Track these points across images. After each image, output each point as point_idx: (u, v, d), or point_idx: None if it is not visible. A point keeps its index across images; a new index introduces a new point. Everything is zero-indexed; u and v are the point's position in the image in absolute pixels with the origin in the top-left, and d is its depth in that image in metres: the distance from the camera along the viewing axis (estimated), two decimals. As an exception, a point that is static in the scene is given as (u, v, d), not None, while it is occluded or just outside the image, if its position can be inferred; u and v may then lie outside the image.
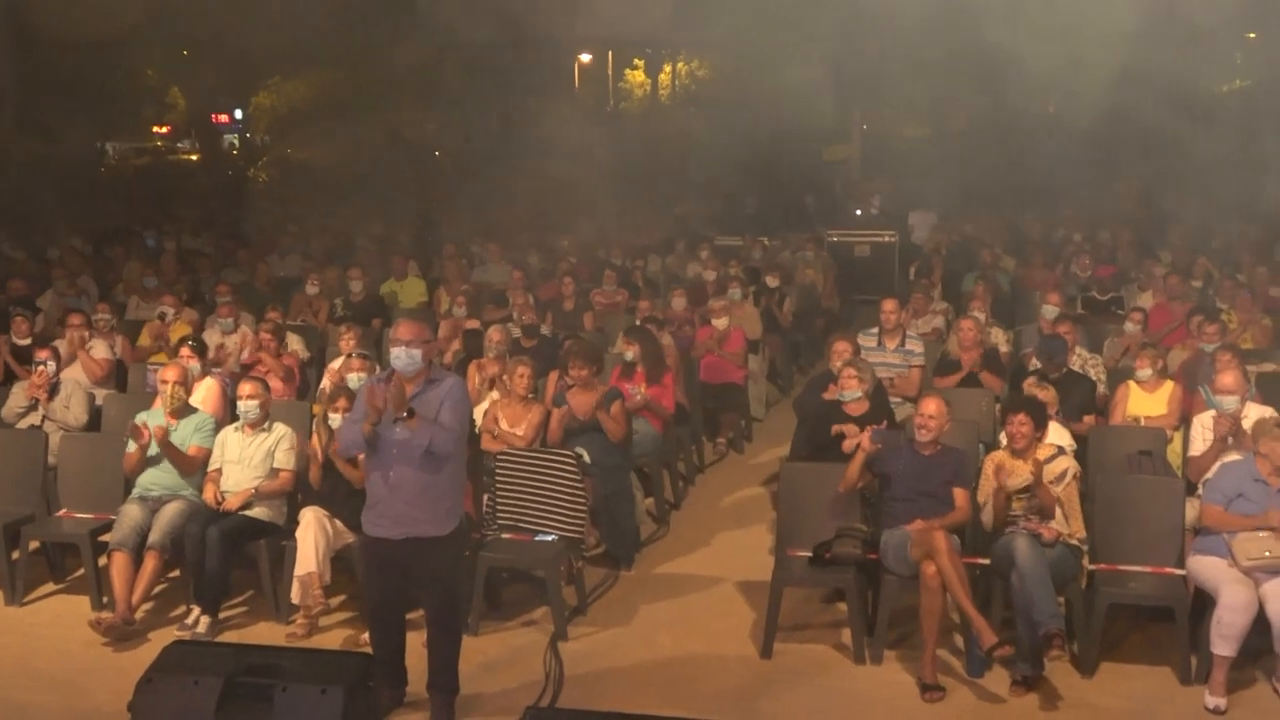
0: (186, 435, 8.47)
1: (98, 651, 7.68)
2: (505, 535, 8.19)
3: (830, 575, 7.61)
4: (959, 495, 7.55)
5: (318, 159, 31.44)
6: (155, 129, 39.89)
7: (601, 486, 8.73)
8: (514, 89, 31.40)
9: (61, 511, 8.72)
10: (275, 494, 8.32)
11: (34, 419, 9.58)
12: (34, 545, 8.71)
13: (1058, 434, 8.23)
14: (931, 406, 7.70)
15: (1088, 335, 11.38)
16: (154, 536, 8.01)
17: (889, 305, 10.76)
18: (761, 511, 10.12)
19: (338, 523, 7.87)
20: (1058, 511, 7.29)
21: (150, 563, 7.98)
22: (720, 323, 12.03)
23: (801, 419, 9.59)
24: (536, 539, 8.11)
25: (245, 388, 8.46)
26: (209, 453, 8.42)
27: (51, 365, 9.65)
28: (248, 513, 8.17)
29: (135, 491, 8.35)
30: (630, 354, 10.08)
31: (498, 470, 8.32)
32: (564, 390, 9.34)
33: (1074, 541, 7.32)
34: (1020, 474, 7.30)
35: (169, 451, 8.28)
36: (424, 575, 6.58)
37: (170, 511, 8.12)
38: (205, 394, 9.46)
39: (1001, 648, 6.84)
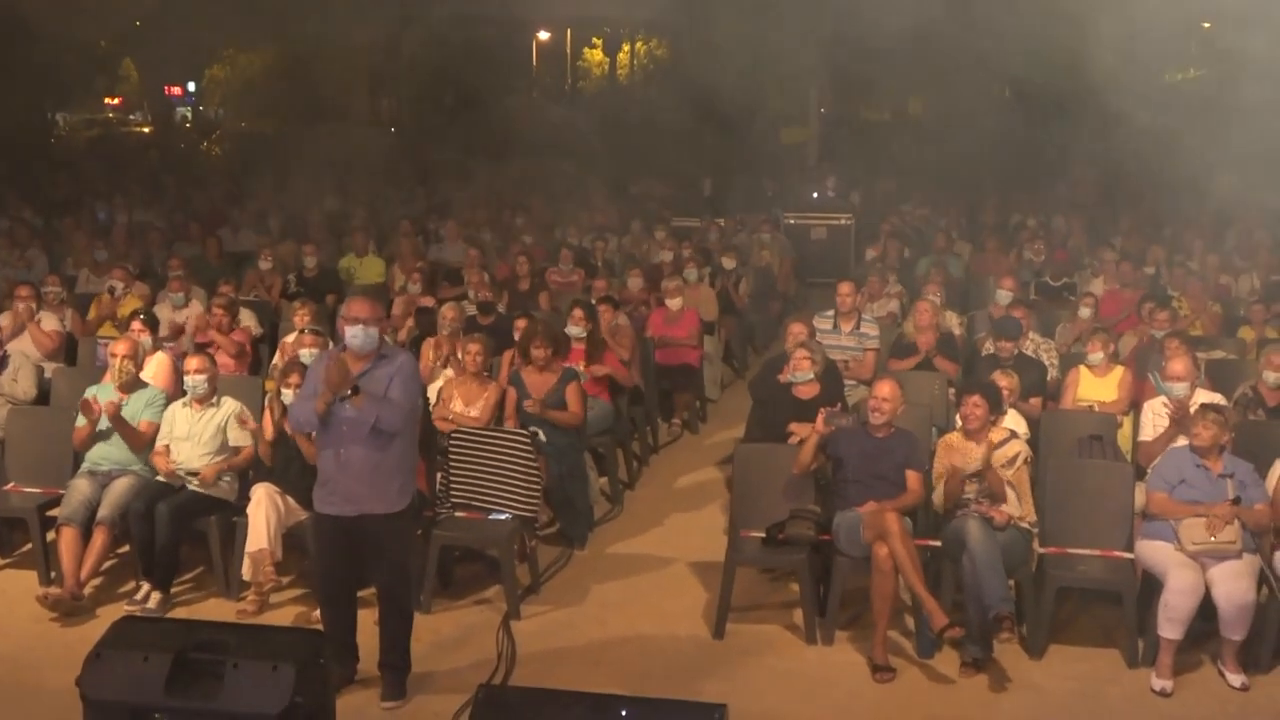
0: (137, 410, 8.38)
1: (45, 627, 7.61)
2: (458, 514, 8.16)
3: (783, 556, 7.64)
4: (911, 478, 7.59)
5: (271, 133, 31.21)
6: (107, 101, 39.47)
7: (555, 466, 8.72)
8: (471, 66, 31.25)
9: (9, 485, 8.61)
10: (238, 469, 8.26)
11: (-22, 394, 9.45)
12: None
13: (1015, 420, 8.30)
14: (885, 389, 7.73)
15: (1040, 320, 11.46)
16: (103, 511, 7.93)
17: (845, 288, 10.79)
18: (715, 492, 10.14)
19: (289, 499, 7.81)
20: (1010, 495, 7.35)
21: (99, 538, 7.90)
22: (674, 303, 12.04)
23: (756, 401, 9.61)
24: (490, 517, 8.09)
25: (192, 362, 8.34)
26: (159, 428, 8.34)
27: (-4, 338, 9.59)
28: (196, 488, 8.08)
29: (85, 466, 8.27)
30: (580, 329, 10.08)
31: (451, 448, 8.29)
32: (519, 369, 9.30)
33: (1025, 525, 7.38)
34: (973, 456, 7.36)
35: (120, 426, 8.20)
36: (375, 553, 6.60)
37: (120, 487, 8.04)
38: (157, 369, 9.33)
39: (951, 629, 6.89)
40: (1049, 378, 9.83)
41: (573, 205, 20.01)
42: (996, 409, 7.63)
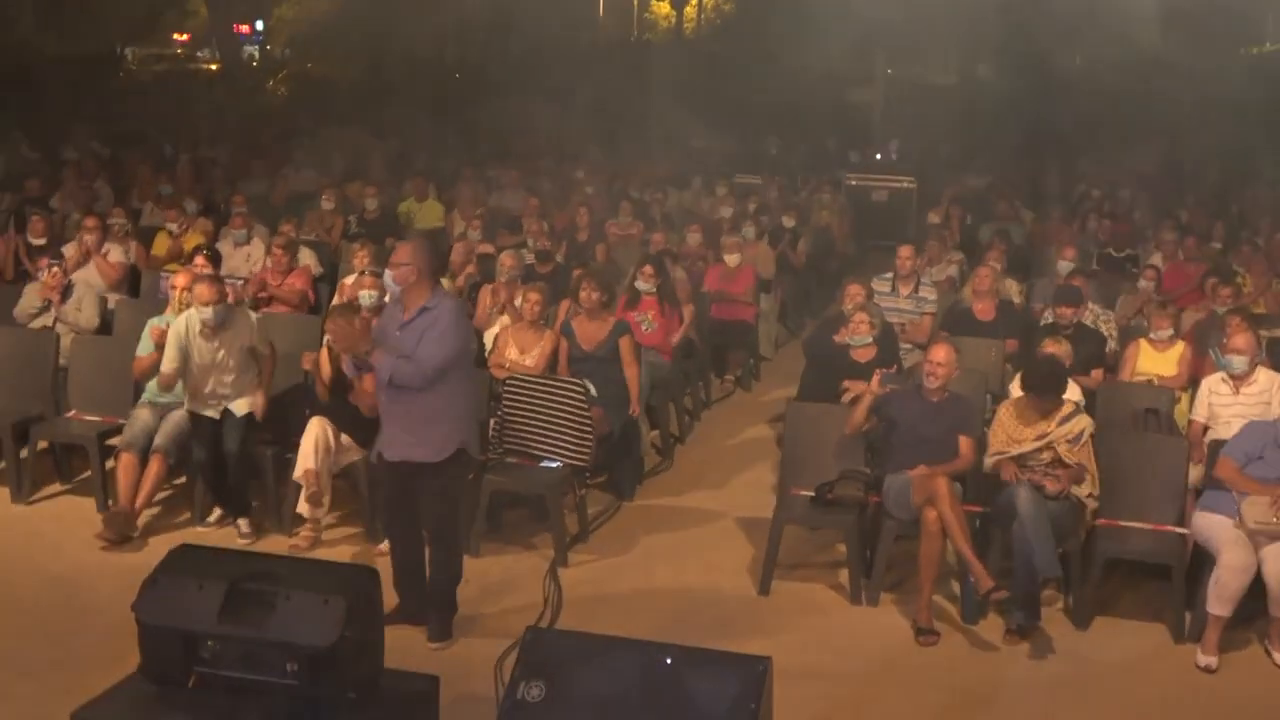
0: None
1: (102, 553, 7.75)
2: (510, 459, 8.22)
3: (831, 516, 7.64)
4: (964, 443, 7.56)
5: (336, 75, 31.27)
6: (175, 36, 39.64)
7: (608, 418, 8.74)
8: (537, 14, 31.13)
9: (71, 413, 8.76)
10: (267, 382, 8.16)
11: (46, 320, 9.58)
12: (43, 445, 8.79)
13: (1072, 391, 8.22)
14: (940, 354, 7.68)
15: (1101, 291, 11.34)
16: (159, 440, 8.06)
17: (905, 251, 10.74)
18: (766, 450, 10.14)
19: (344, 437, 7.90)
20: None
21: (154, 466, 8.03)
22: (732, 260, 12.01)
23: (810, 360, 9.60)
24: (541, 465, 8.15)
25: (203, 292, 7.88)
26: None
27: (58, 269, 9.67)
28: (239, 411, 8.02)
29: (145, 397, 8.36)
30: (648, 284, 10.09)
31: (505, 395, 8.33)
32: (570, 319, 9.32)
33: (1083, 497, 7.31)
34: (1023, 437, 7.32)
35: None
36: (421, 497, 6.69)
37: (177, 418, 8.14)
38: None
39: (997, 591, 6.88)
40: (1108, 350, 9.76)
41: (633, 157, 19.95)
42: (1057, 394, 7.47)
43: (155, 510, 8.30)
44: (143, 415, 8.22)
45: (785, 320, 13.91)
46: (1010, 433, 7.42)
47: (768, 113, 23.97)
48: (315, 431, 7.85)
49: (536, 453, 8.21)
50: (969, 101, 28.14)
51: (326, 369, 8.07)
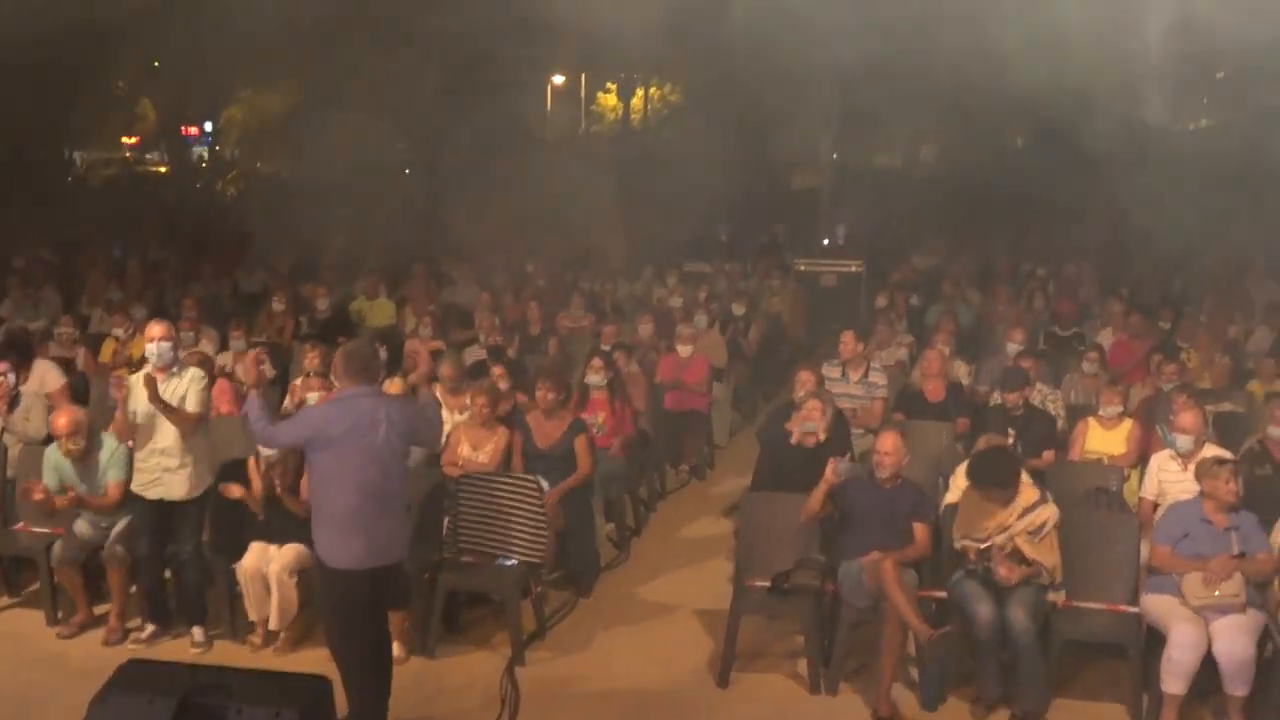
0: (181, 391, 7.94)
1: (51, 666, 7.65)
2: (465, 558, 8.18)
3: (788, 605, 7.64)
4: (919, 530, 7.59)
5: (287, 173, 31.36)
6: (124, 140, 39.70)
7: (563, 513, 8.73)
8: (486, 108, 31.41)
9: (18, 525, 8.66)
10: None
11: (-8, 432, 9.49)
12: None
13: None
14: (888, 443, 7.72)
15: (1049, 370, 11.48)
16: (114, 548, 7.99)
17: (846, 337, 10.87)
18: (722, 540, 10.14)
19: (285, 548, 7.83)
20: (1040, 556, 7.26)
21: (112, 575, 8.02)
22: (684, 349, 12.08)
23: (764, 448, 9.63)
24: (497, 563, 8.11)
25: (155, 329, 7.87)
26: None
27: (10, 377, 9.55)
28: (169, 496, 7.84)
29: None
30: (598, 377, 10.13)
31: (459, 494, 8.31)
32: (525, 414, 9.33)
33: (1045, 582, 7.26)
34: (992, 517, 7.31)
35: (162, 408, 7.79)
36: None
37: (123, 524, 8.05)
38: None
39: (941, 634, 6.90)
40: (1057, 429, 9.86)
41: (584, 249, 20.05)
42: (1010, 485, 7.44)
43: (109, 619, 8.19)
44: (81, 528, 8.13)
45: (739, 407, 13.97)
46: (970, 525, 7.39)
47: (716, 201, 24.17)
48: (255, 553, 7.83)
49: (492, 551, 8.17)
50: (915, 183, 28.56)
51: (257, 484, 8.00)
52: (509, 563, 8.09)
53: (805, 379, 9.80)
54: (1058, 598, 7.33)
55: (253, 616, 7.86)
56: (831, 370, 10.70)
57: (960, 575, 7.30)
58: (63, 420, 8.03)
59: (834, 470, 7.73)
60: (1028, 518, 7.30)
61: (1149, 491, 8.34)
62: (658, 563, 9.70)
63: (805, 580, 7.56)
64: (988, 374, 11.60)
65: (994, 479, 7.40)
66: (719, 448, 12.71)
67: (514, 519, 8.17)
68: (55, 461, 8.11)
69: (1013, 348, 11.47)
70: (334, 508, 6.28)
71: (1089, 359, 11.44)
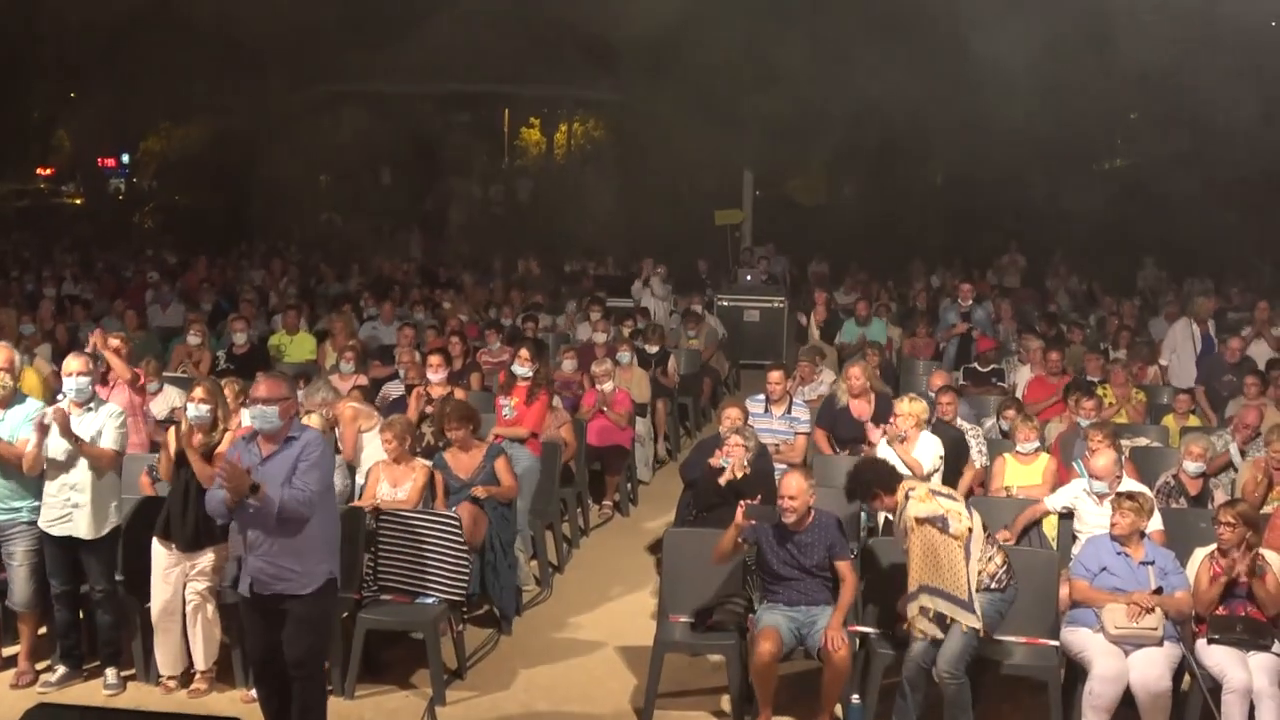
0: (16, 426, 7.78)
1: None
2: (385, 597, 8.06)
3: (710, 641, 7.60)
4: (843, 568, 7.45)
5: (206, 205, 31.03)
6: (39, 171, 39.10)
7: (485, 526, 8.67)
8: (407, 143, 31.40)
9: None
10: (97, 462, 7.68)
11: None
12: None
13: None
14: (791, 487, 7.42)
15: (970, 405, 11.57)
16: (18, 599, 7.78)
17: (775, 376, 10.88)
18: (645, 576, 10.10)
19: (195, 561, 7.62)
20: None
21: (23, 628, 7.88)
22: (606, 386, 12.05)
23: (687, 483, 9.61)
24: (417, 601, 8.00)
25: (73, 363, 7.78)
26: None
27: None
28: (76, 534, 7.64)
29: None
30: (524, 368, 10.45)
31: (379, 531, 8.21)
32: (441, 452, 9.26)
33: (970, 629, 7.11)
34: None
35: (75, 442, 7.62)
36: (290, 632, 6.55)
37: (21, 574, 7.76)
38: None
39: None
40: (979, 465, 9.95)
41: (506, 284, 19.99)
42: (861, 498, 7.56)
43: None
44: None
45: (665, 441, 13.92)
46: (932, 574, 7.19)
47: (639, 235, 24.23)
48: (162, 563, 7.63)
49: (412, 588, 8.07)
50: (837, 220, 28.82)
51: (172, 445, 7.73)
52: (429, 600, 7.99)
53: (730, 415, 9.80)
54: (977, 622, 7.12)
55: (165, 670, 7.74)
56: (755, 405, 10.71)
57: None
58: None
59: (743, 514, 7.53)
60: (977, 551, 7.15)
61: (1054, 505, 8.48)
62: (581, 599, 9.63)
63: (727, 616, 7.53)
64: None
65: (853, 492, 7.53)
66: (643, 484, 12.67)
67: (434, 556, 8.09)
68: None
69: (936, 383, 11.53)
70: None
71: (1005, 416, 11.27)
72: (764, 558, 7.57)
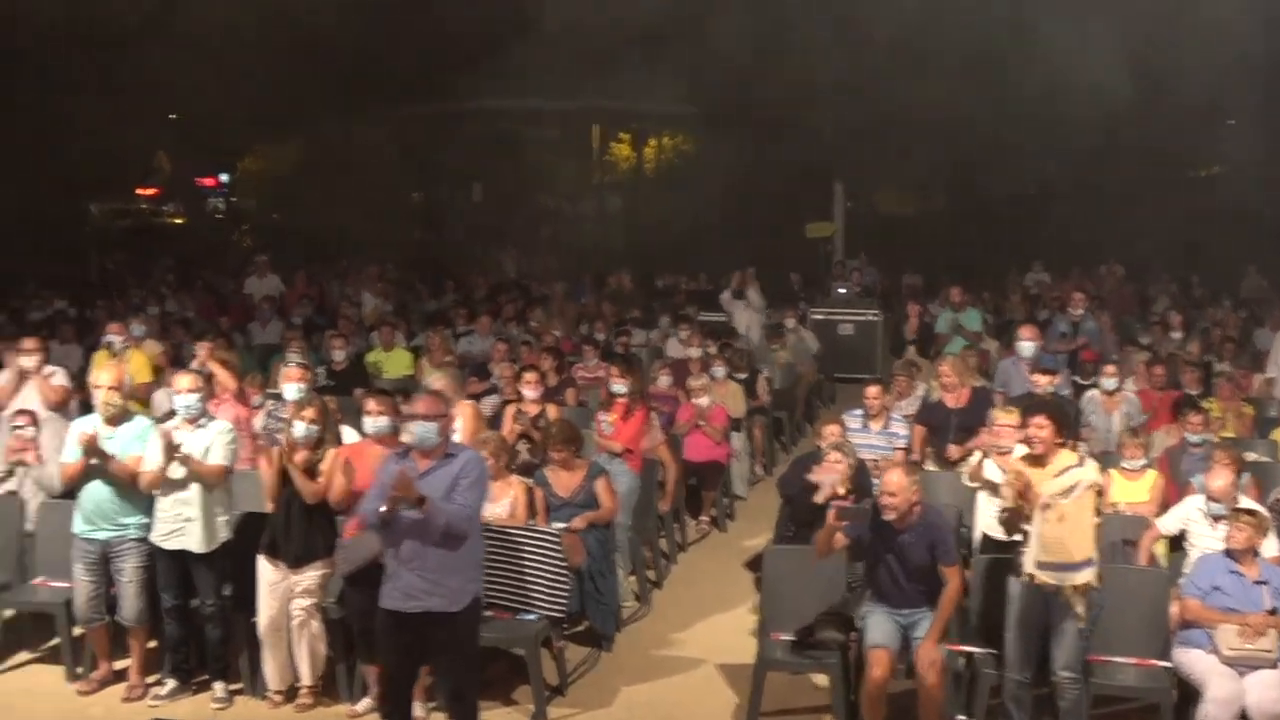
0: (127, 443, 7.93)
1: (69, 725, 7.58)
2: (486, 613, 8.08)
3: (813, 660, 7.54)
4: (949, 574, 7.28)
5: (304, 224, 31.48)
6: (140, 191, 39.90)
7: (583, 550, 8.67)
8: (498, 160, 31.70)
9: (38, 579, 8.58)
10: (207, 479, 7.80)
11: (11, 484, 9.39)
12: (9, 614, 8.62)
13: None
14: (892, 482, 7.23)
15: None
16: (129, 612, 7.92)
17: (872, 390, 10.76)
18: (744, 592, 10.06)
19: (298, 576, 7.68)
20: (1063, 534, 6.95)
21: (134, 642, 8.00)
22: (702, 401, 12.02)
23: (785, 499, 9.56)
24: (517, 617, 8.03)
25: (183, 380, 7.99)
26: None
27: (31, 430, 9.41)
28: (188, 547, 7.77)
29: (77, 530, 7.93)
30: (618, 385, 10.53)
31: (480, 546, 8.24)
32: (543, 469, 9.30)
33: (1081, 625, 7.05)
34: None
35: (106, 461, 7.78)
36: (439, 652, 6.65)
37: (130, 590, 7.91)
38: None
39: None
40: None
41: (598, 299, 20.04)
42: (1065, 429, 7.22)
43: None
44: (83, 587, 7.96)
45: (761, 457, 13.85)
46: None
47: (730, 250, 24.18)
48: (268, 579, 7.70)
49: (512, 604, 8.10)
50: (929, 231, 28.57)
51: (272, 473, 7.78)
52: (529, 617, 8.01)
53: (830, 430, 9.72)
54: (1091, 577, 6.98)
55: (273, 685, 7.83)
56: (852, 421, 10.62)
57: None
58: (105, 375, 8.07)
59: (835, 516, 7.42)
60: (1062, 478, 7.00)
61: (1167, 527, 8.28)
62: (679, 615, 9.61)
63: (829, 635, 7.46)
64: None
65: (1048, 410, 7.23)
66: (740, 499, 12.62)
67: (535, 572, 8.11)
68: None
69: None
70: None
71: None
72: (867, 561, 7.46)
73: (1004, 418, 8.95)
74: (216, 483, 7.86)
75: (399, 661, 6.75)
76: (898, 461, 8.92)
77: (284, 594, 7.67)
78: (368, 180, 29.26)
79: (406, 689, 6.81)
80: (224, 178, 39.99)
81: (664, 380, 12.96)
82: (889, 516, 7.25)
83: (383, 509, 6.46)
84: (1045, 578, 6.92)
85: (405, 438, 6.80)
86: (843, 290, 20.93)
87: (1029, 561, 6.99)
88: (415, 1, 26.60)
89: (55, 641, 8.44)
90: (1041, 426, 7.10)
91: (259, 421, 10.48)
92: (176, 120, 32.66)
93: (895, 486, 7.23)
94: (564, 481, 9.08)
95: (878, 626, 7.26)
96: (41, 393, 10.02)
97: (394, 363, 14.81)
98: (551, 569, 8.09)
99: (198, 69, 26.93)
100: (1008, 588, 7.22)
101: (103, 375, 8.19)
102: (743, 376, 13.90)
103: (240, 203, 39.30)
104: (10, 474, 9.42)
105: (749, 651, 7.93)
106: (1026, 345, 11.80)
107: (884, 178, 31.09)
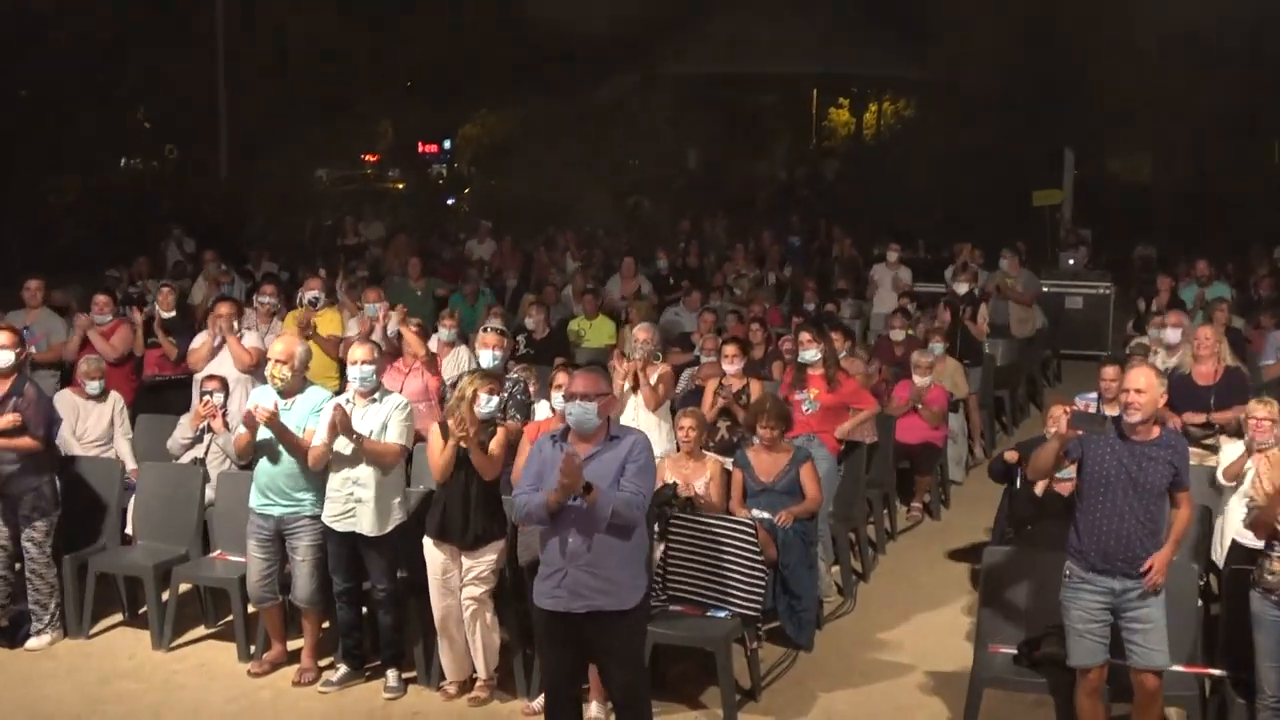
0: (304, 416, 7.56)
1: (238, 707, 7.28)
2: (674, 608, 7.51)
3: (1037, 678, 6.72)
4: (1182, 498, 6.32)
5: (520, 190, 31.49)
6: (364, 157, 40.74)
7: (780, 556, 7.98)
8: (713, 125, 31.18)
9: (216, 553, 8.36)
10: (381, 459, 7.35)
11: (198, 451, 9.21)
12: (186, 588, 8.42)
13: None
14: (1140, 378, 6.21)
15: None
16: (301, 594, 7.60)
17: (1109, 373, 9.65)
18: (958, 588, 9.27)
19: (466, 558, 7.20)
20: None
21: (307, 623, 7.70)
22: (922, 380, 11.20)
23: (1006, 492, 8.76)
24: (708, 614, 7.41)
25: (359, 351, 7.50)
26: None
27: (219, 397, 9.21)
28: (360, 530, 7.37)
29: (253, 505, 7.59)
30: (810, 351, 9.48)
31: (670, 534, 7.65)
32: (745, 449, 8.63)
33: None
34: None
35: (281, 433, 7.40)
36: (607, 654, 6.05)
37: (304, 569, 7.56)
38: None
39: None
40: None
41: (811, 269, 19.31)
42: None
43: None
44: (256, 565, 7.64)
45: (981, 440, 12.96)
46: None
47: (949, 218, 23.08)
48: (438, 567, 7.23)
49: (705, 600, 7.49)
50: (1163, 201, 26.91)
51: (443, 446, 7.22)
52: (721, 614, 7.39)
53: (1058, 415, 8.81)
54: None
55: (450, 675, 7.40)
56: (1085, 405, 9.67)
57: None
58: (278, 345, 7.75)
59: (1068, 421, 6.44)
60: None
61: None
62: (886, 613, 8.84)
63: (1057, 650, 6.61)
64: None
65: None
66: (955, 484, 11.77)
67: (732, 565, 7.48)
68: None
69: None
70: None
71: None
72: (1088, 477, 6.33)
73: (1261, 410, 7.95)
74: (393, 463, 7.41)
75: (560, 658, 6.14)
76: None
77: (455, 582, 7.19)
78: (583, 149, 29.02)
79: (572, 688, 6.23)
80: (446, 144, 40.50)
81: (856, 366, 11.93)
82: (1133, 417, 6.20)
83: (549, 498, 5.86)
84: None
85: (568, 420, 6.17)
86: (1071, 261, 19.71)
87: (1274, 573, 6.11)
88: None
89: (230, 619, 8.20)
90: None
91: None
92: (408, 88, 33.41)
93: (1145, 383, 6.20)
94: (765, 464, 8.40)
95: (1085, 634, 6.34)
96: (234, 354, 9.90)
97: (596, 332, 14.38)
98: (749, 562, 7.45)
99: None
100: (1250, 603, 6.31)
101: (277, 346, 7.83)
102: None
103: (460, 168, 39.67)
104: (199, 439, 9.27)
105: (963, 657, 7.19)
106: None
107: (1121, 145, 29.48)
